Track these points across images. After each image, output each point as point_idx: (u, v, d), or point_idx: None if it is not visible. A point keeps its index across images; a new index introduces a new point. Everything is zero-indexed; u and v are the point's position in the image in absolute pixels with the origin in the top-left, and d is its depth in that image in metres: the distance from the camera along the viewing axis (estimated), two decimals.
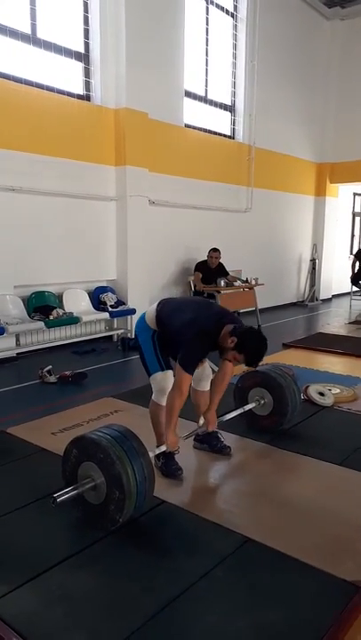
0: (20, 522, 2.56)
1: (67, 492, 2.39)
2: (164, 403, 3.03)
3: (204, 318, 2.86)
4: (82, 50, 6.44)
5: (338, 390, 4.56)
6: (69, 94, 6.26)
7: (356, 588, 2.06)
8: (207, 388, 3.28)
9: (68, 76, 6.32)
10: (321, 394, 4.36)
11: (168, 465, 3.01)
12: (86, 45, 6.46)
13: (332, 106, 10.94)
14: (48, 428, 3.73)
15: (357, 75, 10.51)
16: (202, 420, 3.23)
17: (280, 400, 3.57)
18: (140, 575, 2.16)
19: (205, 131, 8.31)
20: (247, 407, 3.57)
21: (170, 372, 3.05)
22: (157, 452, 2.86)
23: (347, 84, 10.72)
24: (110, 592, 2.07)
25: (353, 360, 6.05)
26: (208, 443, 3.37)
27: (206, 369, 3.27)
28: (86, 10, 6.39)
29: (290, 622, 1.90)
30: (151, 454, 2.62)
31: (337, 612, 1.92)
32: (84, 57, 6.47)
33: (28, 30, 5.81)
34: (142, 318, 3.13)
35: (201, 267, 7.68)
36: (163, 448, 2.87)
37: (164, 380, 3.03)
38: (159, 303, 3.09)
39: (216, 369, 3.27)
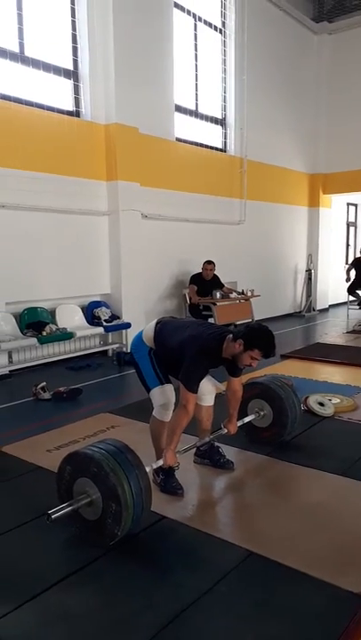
0: (18, 541, 2.49)
1: (62, 509, 2.33)
2: (165, 418, 2.97)
3: (205, 336, 2.84)
4: (71, 67, 6.48)
5: (338, 400, 4.52)
6: (59, 111, 6.28)
7: None
8: (210, 402, 3.22)
9: (57, 94, 6.35)
10: (321, 404, 4.31)
11: (167, 482, 2.94)
12: (75, 62, 6.50)
13: (323, 118, 11.04)
14: (43, 446, 3.66)
15: (347, 87, 10.63)
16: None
17: (280, 411, 3.51)
18: (142, 592, 2.09)
19: (197, 144, 8.35)
20: (246, 419, 3.51)
21: (169, 386, 3.00)
22: (155, 466, 2.79)
23: (337, 96, 10.83)
24: (112, 610, 2.00)
25: (352, 369, 6.01)
26: (210, 458, 3.30)
27: (208, 384, 3.17)
28: (74, 28, 6.44)
29: (296, 636, 1.84)
30: (148, 468, 2.56)
31: (343, 625, 1.86)
32: (73, 74, 6.51)
33: (16, 49, 5.85)
34: (139, 336, 3.10)
35: (196, 279, 7.68)
36: (160, 462, 2.81)
37: (164, 394, 2.97)
38: (158, 322, 3.06)
39: (219, 385, 3.23)
